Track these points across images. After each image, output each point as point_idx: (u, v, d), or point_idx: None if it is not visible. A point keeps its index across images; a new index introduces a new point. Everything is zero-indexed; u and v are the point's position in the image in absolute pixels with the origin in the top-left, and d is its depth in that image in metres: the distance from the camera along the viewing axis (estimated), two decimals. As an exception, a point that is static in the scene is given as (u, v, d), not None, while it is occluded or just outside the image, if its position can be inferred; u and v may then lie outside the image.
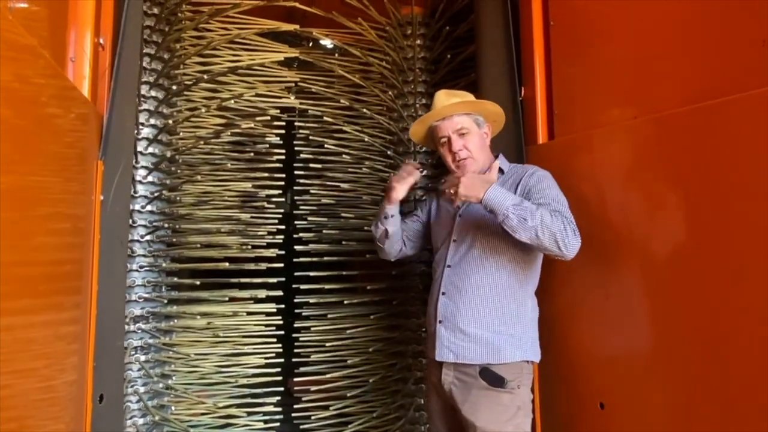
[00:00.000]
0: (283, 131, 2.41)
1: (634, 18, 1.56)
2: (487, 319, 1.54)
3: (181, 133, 2.29)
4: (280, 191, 2.38)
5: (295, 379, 2.49)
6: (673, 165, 1.38)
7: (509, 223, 1.43)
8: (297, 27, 2.36)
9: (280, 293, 2.33)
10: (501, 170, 1.68)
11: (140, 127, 2.11)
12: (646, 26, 1.52)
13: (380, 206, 1.83)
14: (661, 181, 1.41)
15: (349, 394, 2.43)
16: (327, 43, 2.78)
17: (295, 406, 2.44)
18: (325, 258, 2.50)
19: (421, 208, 1.92)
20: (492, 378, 1.50)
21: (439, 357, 1.58)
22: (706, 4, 1.35)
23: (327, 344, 2.45)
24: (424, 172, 1.78)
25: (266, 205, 2.35)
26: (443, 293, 1.62)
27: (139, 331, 2.07)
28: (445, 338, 1.58)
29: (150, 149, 2.13)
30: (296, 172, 2.54)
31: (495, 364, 1.51)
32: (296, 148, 2.56)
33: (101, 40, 1.52)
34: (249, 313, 2.29)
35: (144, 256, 2.11)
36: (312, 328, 2.46)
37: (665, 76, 1.45)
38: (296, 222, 2.51)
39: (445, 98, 1.68)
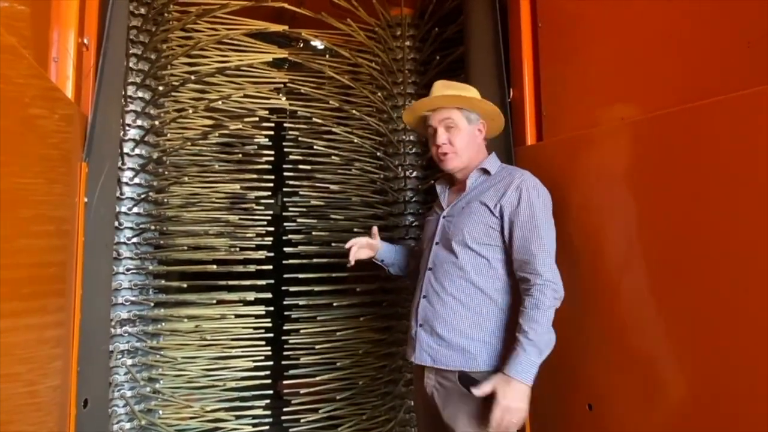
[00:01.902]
0: (272, 132, 2.40)
1: (622, 20, 1.57)
2: (463, 325, 1.50)
3: (168, 135, 2.27)
4: (269, 193, 2.36)
5: (285, 382, 2.48)
6: (660, 166, 1.38)
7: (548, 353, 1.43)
8: (286, 28, 2.35)
9: (269, 295, 2.31)
10: (487, 171, 1.62)
11: (127, 128, 2.09)
12: (633, 28, 1.53)
13: None
14: (649, 181, 1.41)
15: (338, 397, 2.42)
16: (317, 44, 2.78)
17: (285, 409, 2.43)
18: (315, 260, 2.49)
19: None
20: (469, 383, 1.46)
21: (418, 360, 1.56)
22: (692, 6, 1.36)
23: (316, 346, 2.44)
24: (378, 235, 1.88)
25: (255, 207, 2.34)
26: (424, 296, 1.59)
27: (126, 334, 2.05)
28: (424, 342, 1.55)
29: (137, 150, 2.11)
30: (285, 174, 2.53)
31: (471, 372, 1.49)
32: (285, 150, 2.55)
33: (85, 40, 1.50)
34: (237, 316, 2.28)
35: (131, 258, 2.09)
36: (301, 331, 2.46)
37: (652, 77, 1.46)
38: (285, 224, 2.50)
39: (440, 89, 1.64)
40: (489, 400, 1.44)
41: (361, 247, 1.80)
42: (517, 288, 1.56)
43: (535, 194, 1.51)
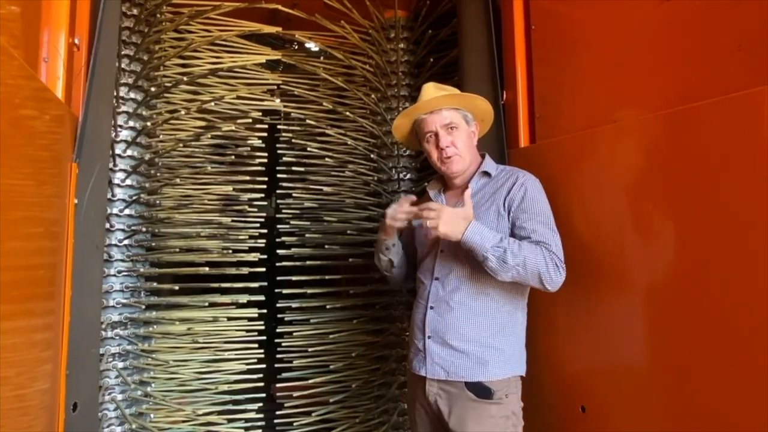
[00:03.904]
0: (265, 134, 2.39)
1: (614, 23, 1.58)
2: (476, 334, 1.48)
3: (160, 136, 2.26)
4: (263, 195, 2.36)
5: (278, 385, 2.47)
6: (653, 167, 1.39)
7: (488, 265, 1.40)
8: (279, 29, 2.35)
9: (261, 298, 2.30)
10: (488, 174, 1.60)
11: (119, 129, 2.08)
12: (625, 31, 1.54)
13: (377, 238, 1.75)
14: (643, 183, 1.42)
15: (332, 400, 2.41)
16: (311, 45, 2.78)
17: (278, 413, 2.42)
18: (308, 262, 2.48)
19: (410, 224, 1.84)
20: (479, 389, 1.45)
21: (431, 374, 1.51)
22: (684, 10, 1.37)
23: (310, 349, 2.43)
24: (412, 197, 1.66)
25: (248, 209, 2.33)
26: (431, 307, 1.55)
27: (117, 337, 2.03)
28: (436, 354, 1.51)
29: (128, 152, 2.10)
30: (279, 176, 2.52)
31: (485, 382, 1.46)
32: (279, 152, 2.55)
33: (76, 41, 1.49)
34: (230, 318, 2.26)
35: (122, 260, 2.07)
36: (294, 333, 2.45)
37: (644, 80, 1.46)
38: (278, 226, 2.50)
39: (433, 90, 1.58)
40: (500, 406, 1.45)
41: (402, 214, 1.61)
42: (527, 292, 1.57)
43: (540, 193, 1.53)
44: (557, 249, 1.44)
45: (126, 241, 2.08)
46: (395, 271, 1.78)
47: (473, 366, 1.47)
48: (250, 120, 2.32)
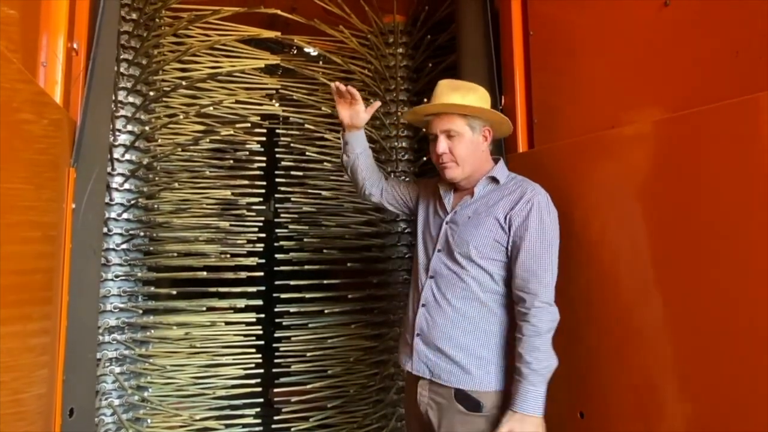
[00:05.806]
0: (264, 138, 2.40)
1: (612, 29, 1.58)
2: (464, 339, 1.45)
3: (159, 140, 2.26)
4: (261, 199, 2.36)
5: (276, 390, 2.46)
6: (650, 173, 1.39)
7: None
8: (278, 34, 2.35)
9: (259, 302, 2.30)
10: (496, 180, 1.53)
11: (117, 133, 2.08)
12: (623, 37, 1.54)
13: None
14: (641, 189, 1.42)
15: (330, 405, 2.41)
16: (310, 50, 2.78)
17: (275, 418, 2.41)
18: (306, 266, 2.48)
19: (415, 186, 1.77)
20: (467, 401, 1.42)
21: (415, 371, 1.51)
22: (682, 16, 1.37)
23: (308, 354, 2.43)
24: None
25: (246, 213, 2.33)
26: (423, 305, 1.53)
27: (114, 342, 2.02)
28: (422, 353, 1.50)
29: (127, 156, 2.10)
30: (277, 180, 2.53)
31: (470, 391, 1.44)
32: (277, 156, 2.55)
33: (75, 45, 1.49)
34: (228, 323, 2.26)
35: (120, 265, 2.07)
36: (293, 338, 2.44)
37: (643, 86, 1.47)
38: (277, 230, 2.50)
39: (445, 91, 1.52)
40: (490, 420, 1.42)
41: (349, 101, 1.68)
42: None
43: (546, 212, 1.46)
44: (545, 292, 1.40)
45: (124, 246, 2.08)
46: (350, 173, 1.75)
47: (459, 374, 1.44)
48: (249, 124, 2.32)
